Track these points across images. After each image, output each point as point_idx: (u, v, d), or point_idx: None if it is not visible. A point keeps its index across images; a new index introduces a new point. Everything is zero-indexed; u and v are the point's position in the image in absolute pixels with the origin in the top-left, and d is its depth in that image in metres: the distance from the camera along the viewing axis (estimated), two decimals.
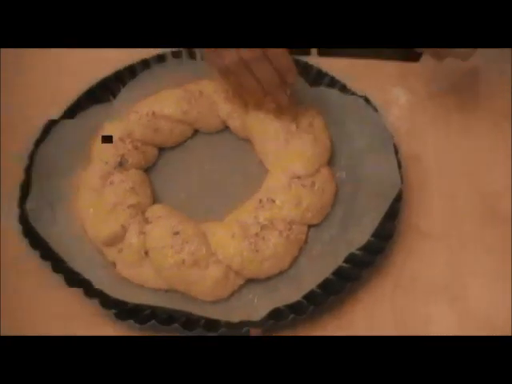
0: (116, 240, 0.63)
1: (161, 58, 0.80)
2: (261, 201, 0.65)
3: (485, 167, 0.72)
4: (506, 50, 0.76)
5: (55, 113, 0.75)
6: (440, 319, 0.62)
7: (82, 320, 0.62)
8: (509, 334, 0.61)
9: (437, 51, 0.66)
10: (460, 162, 0.72)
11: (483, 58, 0.74)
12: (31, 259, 0.64)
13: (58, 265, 0.63)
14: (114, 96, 0.77)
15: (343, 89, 0.75)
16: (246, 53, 0.62)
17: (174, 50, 0.80)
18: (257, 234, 0.62)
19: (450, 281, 0.64)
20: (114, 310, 0.60)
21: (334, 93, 0.75)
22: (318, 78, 0.77)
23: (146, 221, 0.64)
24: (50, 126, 0.73)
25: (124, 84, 0.78)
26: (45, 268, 0.63)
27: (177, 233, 0.61)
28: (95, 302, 0.60)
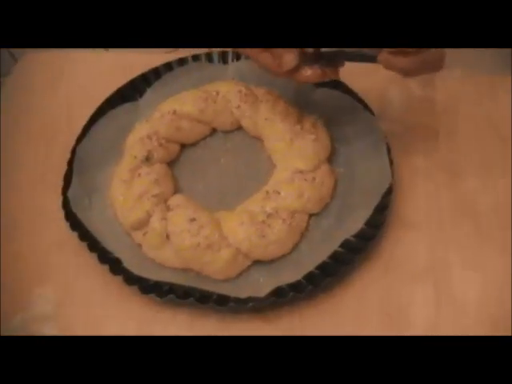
0: (142, 225, 0.70)
1: (182, 62, 0.86)
2: (267, 192, 0.71)
3: (464, 167, 0.77)
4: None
5: (89, 112, 0.81)
6: (423, 300, 0.67)
7: (112, 291, 0.69)
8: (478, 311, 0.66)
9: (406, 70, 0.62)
10: (444, 162, 0.77)
11: (469, 63, 0.79)
12: (71, 240, 0.71)
13: (93, 245, 0.70)
14: (141, 95, 0.84)
15: (346, 90, 0.81)
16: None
17: (194, 54, 0.86)
18: (263, 222, 0.68)
19: (432, 266, 0.69)
20: (136, 286, 0.67)
21: (336, 95, 0.80)
22: None
23: (168, 208, 0.70)
24: (89, 125, 0.80)
25: (149, 85, 0.84)
26: (82, 248, 0.70)
27: (193, 219, 0.68)
28: (120, 277, 0.67)
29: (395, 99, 0.84)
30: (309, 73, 0.64)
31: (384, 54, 0.60)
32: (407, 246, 0.71)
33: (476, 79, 0.84)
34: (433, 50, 0.59)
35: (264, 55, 0.64)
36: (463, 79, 0.85)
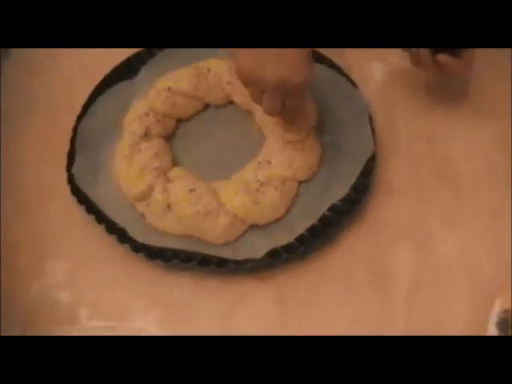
0: (145, 196, 0.73)
1: None
2: (259, 162, 0.74)
3: (443, 135, 0.80)
4: None
5: (88, 90, 0.83)
6: (405, 259, 0.71)
7: (120, 259, 0.72)
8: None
9: (440, 72, 0.71)
10: (424, 129, 0.80)
11: None
12: (79, 213, 0.74)
13: (100, 217, 0.73)
14: (136, 74, 0.85)
15: (330, 64, 0.83)
16: (269, 78, 0.62)
17: None
18: (257, 190, 0.71)
19: (414, 227, 0.73)
20: (142, 253, 0.70)
21: (321, 68, 0.83)
22: None
23: (168, 180, 0.73)
24: (88, 103, 0.82)
25: (144, 63, 0.86)
26: (90, 220, 0.73)
27: (193, 190, 0.71)
28: (127, 246, 0.71)
29: (377, 72, 0.86)
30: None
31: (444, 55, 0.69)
32: (390, 210, 0.74)
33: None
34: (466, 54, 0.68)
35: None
36: None
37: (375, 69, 0.87)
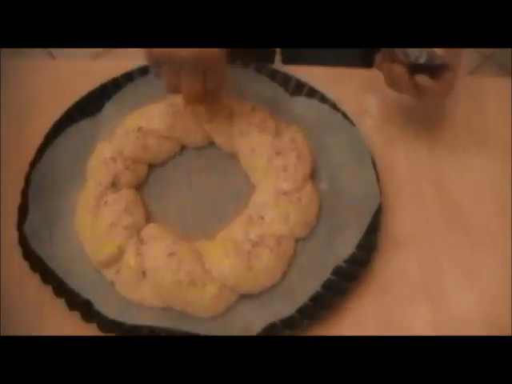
0: (114, 261, 0.60)
1: (144, 71, 0.75)
2: (251, 217, 0.63)
3: (448, 175, 0.71)
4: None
5: (45, 128, 0.70)
6: (421, 321, 0.62)
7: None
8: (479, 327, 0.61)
9: (417, 94, 0.64)
10: (427, 169, 0.71)
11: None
12: (34, 281, 0.61)
13: (59, 287, 0.60)
14: (100, 110, 0.73)
15: (322, 99, 0.73)
16: (183, 52, 0.57)
17: None
18: (249, 252, 0.60)
19: (427, 284, 0.64)
20: (112, 334, 0.57)
21: (313, 104, 0.73)
22: (297, 87, 0.74)
23: (142, 241, 0.61)
24: (44, 145, 0.69)
25: (108, 98, 0.73)
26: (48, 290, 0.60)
27: (172, 254, 0.59)
28: (93, 325, 0.58)
29: (373, 106, 0.76)
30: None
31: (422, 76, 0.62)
32: (399, 267, 0.65)
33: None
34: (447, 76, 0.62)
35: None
36: None
37: (370, 102, 0.77)
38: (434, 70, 0.62)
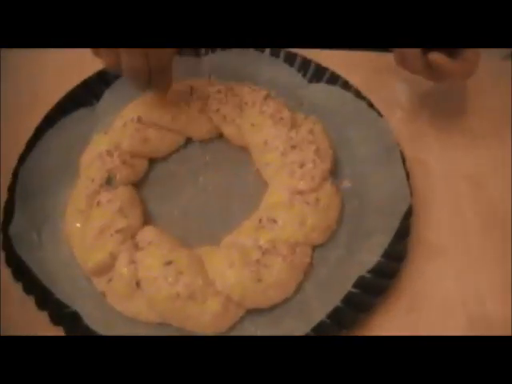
0: (105, 269, 0.53)
1: None
2: (261, 221, 0.55)
3: (486, 172, 0.62)
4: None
5: (36, 119, 0.63)
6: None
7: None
8: None
9: (434, 75, 0.57)
10: (462, 166, 0.63)
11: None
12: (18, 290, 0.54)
13: (44, 297, 0.53)
14: (98, 99, 0.66)
15: (345, 86, 0.65)
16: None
17: None
18: (258, 261, 0.52)
19: (464, 298, 0.55)
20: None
21: (334, 91, 0.64)
22: (317, 73, 0.66)
23: (137, 247, 0.54)
24: (34, 139, 0.62)
25: (108, 85, 0.66)
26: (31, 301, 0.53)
27: (169, 262, 0.51)
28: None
29: (402, 95, 0.67)
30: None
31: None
32: (432, 278, 0.56)
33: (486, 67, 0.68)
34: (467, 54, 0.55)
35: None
36: None
37: (399, 90, 0.68)
38: (451, 48, 0.54)
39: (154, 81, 0.56)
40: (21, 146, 0.62)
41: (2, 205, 0.59)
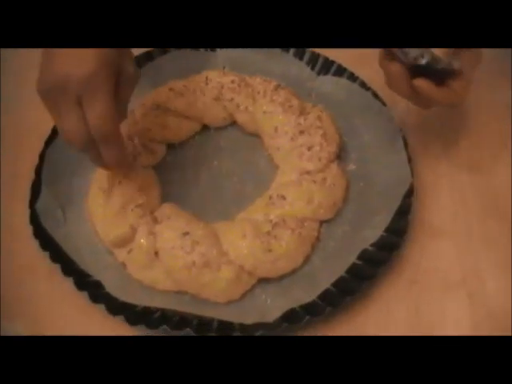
0: (125, 241, 0.56)
1: (164, 49, 0.71)
2: (271, 197, 0.58)
3: (488, 162, 0.64)
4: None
5: None
6: (456, 316, 0.55)
7: (95, 321, 0.55)
8: None
9: (420, 101, 0.56)
10: (466, 155, 0.65)
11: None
12: (44, 261, 0.57)
13: (68, 267, 0.56)
14: None
15: (351, 77, 0.68)
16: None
17: None
18: (269, 233, 0.55)
19: (465, 276, 0.57)
20: (121, 316, 0.53)
21: (341, 83, 0.67)
22: (324, 66, 0.69)
23: (155, 221, 0.56)
24: None
25: None
26: (57, 271, 0.56)
27: (186, 233, 0.54)
28: (102, 306, 0.53)
29: None
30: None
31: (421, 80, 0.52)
32: (433, 255, 0.58)
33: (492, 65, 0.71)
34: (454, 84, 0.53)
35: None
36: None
37: None
38: (440, 76, 0.53)
39: (103, 153, 0.51)
40: (46, 131, 0.65)
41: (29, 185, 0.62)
